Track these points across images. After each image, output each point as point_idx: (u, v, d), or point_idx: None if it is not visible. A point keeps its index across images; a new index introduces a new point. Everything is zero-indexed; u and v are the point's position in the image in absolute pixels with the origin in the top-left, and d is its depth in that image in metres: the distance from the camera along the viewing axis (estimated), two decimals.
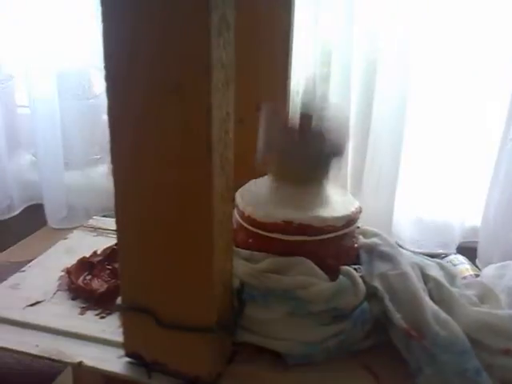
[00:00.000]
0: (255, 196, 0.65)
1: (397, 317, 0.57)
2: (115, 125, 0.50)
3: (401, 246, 0.70)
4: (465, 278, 0.93)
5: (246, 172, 0.64)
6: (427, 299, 0.58)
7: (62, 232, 1.04)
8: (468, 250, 1.09)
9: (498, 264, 0.75)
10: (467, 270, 0.98)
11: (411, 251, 0.71)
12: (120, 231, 0.55)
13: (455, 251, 1.12)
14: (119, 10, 0.47)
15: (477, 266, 1.03)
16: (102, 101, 1.16)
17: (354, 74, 1.09)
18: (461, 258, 1.04)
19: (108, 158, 0.52)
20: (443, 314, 0.57)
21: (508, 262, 0.74)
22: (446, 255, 1.08)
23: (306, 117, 0.61)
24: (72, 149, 1.23)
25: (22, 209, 1.30)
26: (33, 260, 0.81)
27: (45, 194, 1.24)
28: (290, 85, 0.75)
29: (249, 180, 0.69)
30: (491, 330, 0.57)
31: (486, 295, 0.64)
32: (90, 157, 1.24)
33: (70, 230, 0.94)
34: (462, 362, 0.54)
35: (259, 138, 0.63)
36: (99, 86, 1.19)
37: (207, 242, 0.51)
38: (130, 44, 0.47)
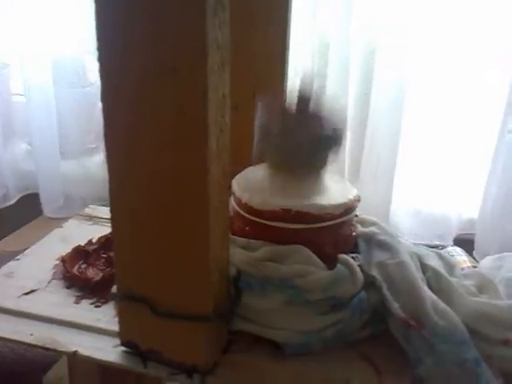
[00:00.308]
0: (252, 183, 0.64)
1: (395, 306, 0.57)
2: (109, 108, 0.49)
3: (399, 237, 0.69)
4: (462, 269, 0.93)
5: (241, 159, 0.63)
6: (426, 289, 0.58)
7: (58, 221, 1.03)
8: (465, 242, 1.09)
9: (496, 256, 0.75)
10: (465, 261, 0.98)
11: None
12: (114, 219, 0.54)
13: (452, 243, 1.12)
14: None
15: (474, 258, 1.03)
16: (98, 89, 1.15)
17: (352, 66, 1.09)
18: (458, 250, 1.04)
19: (103, 146, 0.51)
20: (442, 304, 0.56)
21: (505, 253, 0.74)
22: (443, 247, 1.08)
23: (304, 98, 0.60)
24: (68, 138, 1.22)
25: (17, 198, 1.29)
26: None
27: (40, 184, 1.23)
28: (287, 72, 0.74)
29: (245, 168, 0.68)
30: (490, 320, 0.57)
31: (484, 285, 0.64)
32: (86, 146, 1.24)
33: (66, 219, 0.93)
34: (461, 352, 0.53)
35: (255, 126, 0.62)
36: (94, 72, 1.17)
37: (203, 229, 0.50)
38: (123, 26, 0.46)
